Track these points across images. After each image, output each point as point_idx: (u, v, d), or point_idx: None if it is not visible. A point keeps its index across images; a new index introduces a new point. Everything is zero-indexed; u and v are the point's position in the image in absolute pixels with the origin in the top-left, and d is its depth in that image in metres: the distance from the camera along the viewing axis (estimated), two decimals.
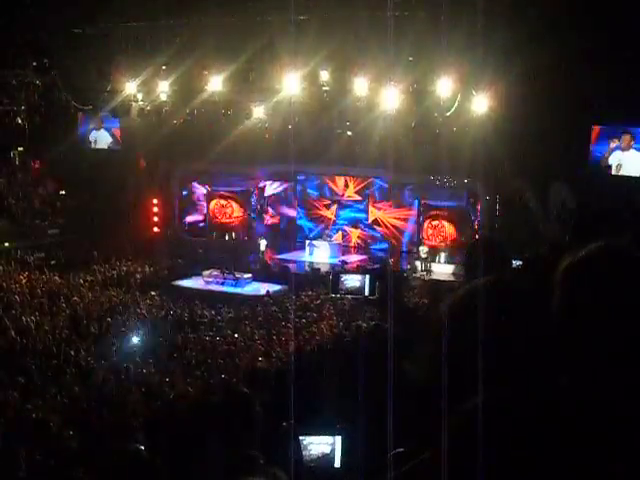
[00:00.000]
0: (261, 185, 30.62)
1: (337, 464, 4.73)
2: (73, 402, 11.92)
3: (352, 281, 6.22)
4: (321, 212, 29.90)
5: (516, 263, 6.05)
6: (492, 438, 1.70)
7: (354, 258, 27.57)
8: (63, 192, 29.71)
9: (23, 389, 12.23)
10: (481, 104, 22.65)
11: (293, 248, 29.28)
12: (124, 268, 24.54)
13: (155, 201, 29.13)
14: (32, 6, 23.99)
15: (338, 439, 4.73)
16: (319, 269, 25.35)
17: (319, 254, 27.35)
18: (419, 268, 25.43)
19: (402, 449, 2.57)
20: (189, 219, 30.80)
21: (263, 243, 27.40)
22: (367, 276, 6.09)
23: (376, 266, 25.09)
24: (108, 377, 13.46)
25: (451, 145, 22.97)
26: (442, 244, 26.71)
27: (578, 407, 1.70)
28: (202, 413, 9.57)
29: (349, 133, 26.04)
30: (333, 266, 25.47)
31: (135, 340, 16.50)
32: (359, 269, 21.59)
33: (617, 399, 1.70)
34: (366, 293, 6.07)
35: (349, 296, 6.60)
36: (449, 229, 26.66)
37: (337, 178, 29.54)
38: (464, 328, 1.92)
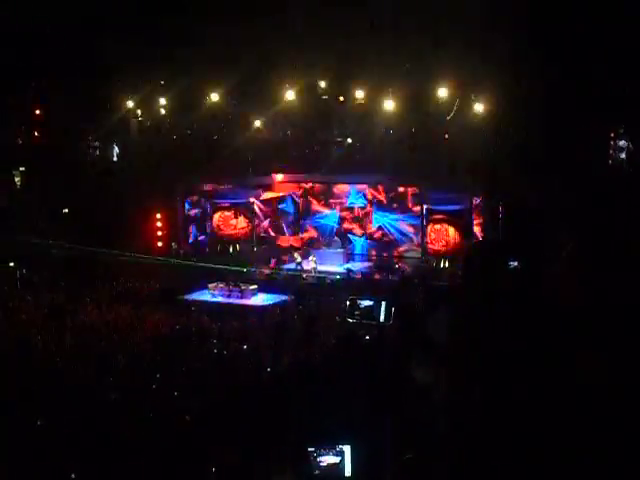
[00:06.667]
0: (263, 197, 30.66)
1: (347, 473, 4.73)
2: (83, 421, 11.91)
3: (368, 307, 6.20)
4: (324, 220, 29.95)
5: (513, 264, 6.07)
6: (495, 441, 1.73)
7: (358, 265, 27.60)
8: (66, 210, 29.73)
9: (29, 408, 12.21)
10: (481, 108, 22.66)
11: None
12: (130, 284, 24.52)
13: (158, 216, 29.15)
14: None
15: (347, 448, 4.73)
16: (324, 278, 25.36)
17: (324, 263, 27.36)
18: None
19: (410, 455, 2.60)
20: (193, 232, 30.78)
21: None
22: (383, 303, 6.10)
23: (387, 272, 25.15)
24: (117, 393, 13.45)
25: (451, 149, 22.98)
26: (445, 248, 26.63)
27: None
28: (210, 428, 9.58)
29: (349, 141, 26.08)
30: (339, 274, 25.53)
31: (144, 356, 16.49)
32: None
33: None
34: (381, 320, 6.08)
35: (364, 321, 6.49)
36: (452, 233, 26.54)
37: (339, 186, 29.53)
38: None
